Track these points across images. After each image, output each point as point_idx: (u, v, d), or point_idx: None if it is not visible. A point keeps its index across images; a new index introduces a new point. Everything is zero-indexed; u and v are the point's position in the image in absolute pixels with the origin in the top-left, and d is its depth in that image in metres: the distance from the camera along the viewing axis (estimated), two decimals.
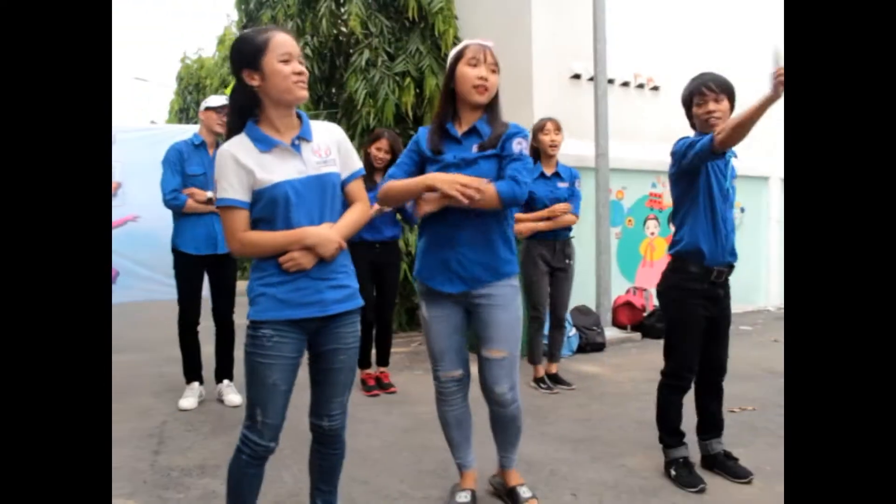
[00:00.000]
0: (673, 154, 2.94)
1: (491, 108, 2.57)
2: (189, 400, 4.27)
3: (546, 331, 4.80)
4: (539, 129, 4.51)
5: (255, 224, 2.08)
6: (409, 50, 6.56)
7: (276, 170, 2.05)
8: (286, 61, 2.01)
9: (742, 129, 2.54)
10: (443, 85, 2.63)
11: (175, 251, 4.19)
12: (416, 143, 2.62)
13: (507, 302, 2.58)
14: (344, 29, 7.21)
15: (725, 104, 2.87)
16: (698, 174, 2.86)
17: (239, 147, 2.07)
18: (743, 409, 4.06)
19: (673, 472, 3.01)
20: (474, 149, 2.52)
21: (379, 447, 3.53)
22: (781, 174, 8.76)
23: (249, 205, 2.05)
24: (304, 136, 2.12)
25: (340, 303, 2.15)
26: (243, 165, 2.03)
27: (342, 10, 7.15)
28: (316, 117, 7.39)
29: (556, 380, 4.76)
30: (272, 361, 2.06)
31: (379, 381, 4.73)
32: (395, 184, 2.54)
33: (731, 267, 2.98)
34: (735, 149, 2.87)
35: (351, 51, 6.81)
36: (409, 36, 6.67)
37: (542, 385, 4.71)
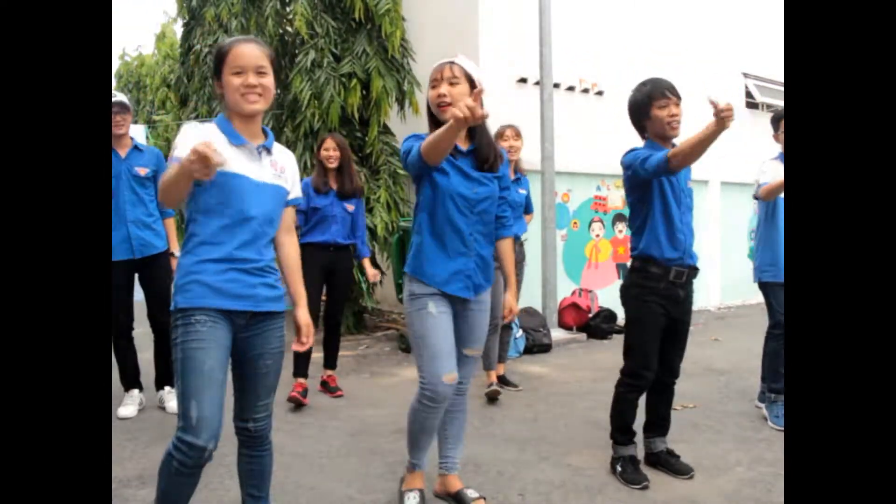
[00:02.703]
0: (622, 164, 2.98)
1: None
2: (128, 408, 4.13)
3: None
4: (499, 135, 4.52)
5: (206, 213, 2.05)
6: (356, 51, 6.50)
7: (240, 162, 2.08)
8: (238, 73, 2.05)
9: (696, 155, 2.65)
10: (426, 110, 2.65)
11: None
12: (422, 138, 2.52)
13: (488, 306, 2.76)
14: (289, 29, 7.11)
15: (681, 110, 2.93)
16: (651, 182, 2.92)
17: (208, 131, 2.07)
18: (685, 406, 4.17)
19: (619, 469, 3.07)
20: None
21: (326, 452, 3.49)
22: (721, 178, 9.05)
23: None
24: (267, 147, 2.17)
25: (272, 301, 2.16)
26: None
27: (287, 9, 7.05)
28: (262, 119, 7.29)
29: (502, 381, 4.79)
30: (207, 346, 1.98)
31: (326, 385, 4.68)
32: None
33: (692, 269, 3.02)
34: None
35: (296, 51, 6.70)
36: (356, 37, 6.61)
37: (507, 385, 4.77)
